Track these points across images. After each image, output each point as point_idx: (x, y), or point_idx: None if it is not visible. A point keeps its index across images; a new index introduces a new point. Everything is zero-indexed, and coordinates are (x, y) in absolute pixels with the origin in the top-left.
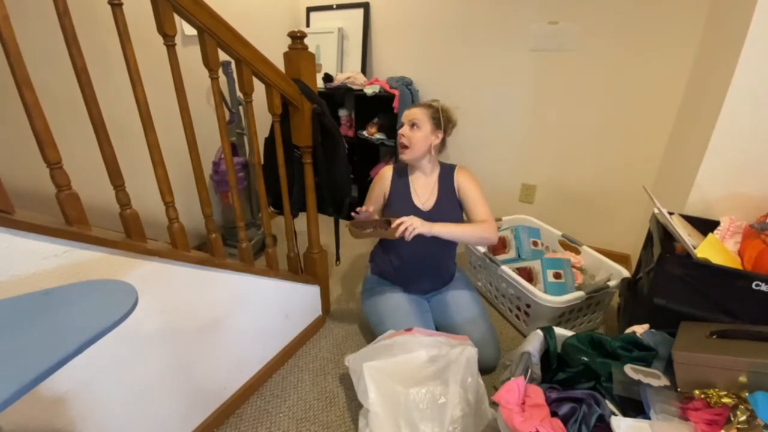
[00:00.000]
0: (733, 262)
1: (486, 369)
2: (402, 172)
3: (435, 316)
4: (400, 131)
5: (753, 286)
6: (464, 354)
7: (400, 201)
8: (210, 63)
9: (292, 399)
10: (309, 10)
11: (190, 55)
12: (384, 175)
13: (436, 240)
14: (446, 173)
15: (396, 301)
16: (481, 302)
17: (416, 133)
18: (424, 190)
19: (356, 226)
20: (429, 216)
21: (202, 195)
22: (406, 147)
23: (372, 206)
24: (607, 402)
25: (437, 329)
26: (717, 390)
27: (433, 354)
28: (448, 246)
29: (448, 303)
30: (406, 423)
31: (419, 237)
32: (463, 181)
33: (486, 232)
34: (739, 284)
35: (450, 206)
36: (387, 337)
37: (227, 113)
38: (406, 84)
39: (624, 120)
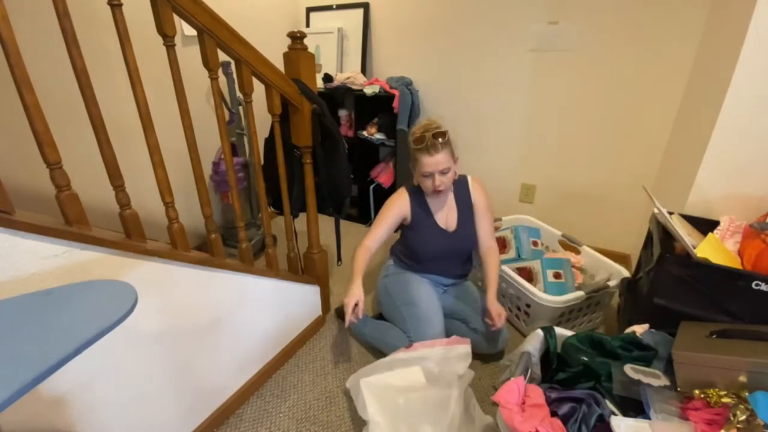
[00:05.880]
0: (732, 262)
1: (489, 356)
2: (418, 194)
3: (449, 304)
4: (431, 182)
5: (753, 285)
6: (458, 357)
7: (424, 225)
8: (210, 63)
9: (292, 399)
10: (309, 10)
11: (190, 55)
12: (402, 200)
13: (453, 247)
14: (462, 188)
15: (419, 281)
16: None
17: (448, 176)
18: (443, 210)
19: None
20: (454, 236)
21: (202, 195)
22: (441, 191)
23: (383, 228)
24: (607, 402)
25: (452, 317)
26: (717, 390)
27: (428, 359)
28: (465, 252)
29: (463, 292)
30: (407, 429)
31: (441, 245)
32: (477, 196)
33: (498, 260)
34: (739, 284)
35: (470, 221)
36: (396, 353)
37: (227, 113)
38: (406, 84)
39: (624, 120)
